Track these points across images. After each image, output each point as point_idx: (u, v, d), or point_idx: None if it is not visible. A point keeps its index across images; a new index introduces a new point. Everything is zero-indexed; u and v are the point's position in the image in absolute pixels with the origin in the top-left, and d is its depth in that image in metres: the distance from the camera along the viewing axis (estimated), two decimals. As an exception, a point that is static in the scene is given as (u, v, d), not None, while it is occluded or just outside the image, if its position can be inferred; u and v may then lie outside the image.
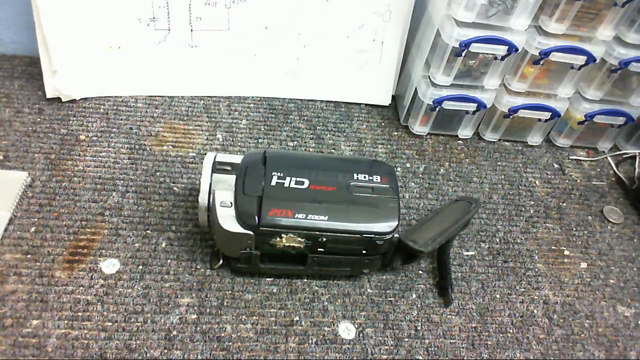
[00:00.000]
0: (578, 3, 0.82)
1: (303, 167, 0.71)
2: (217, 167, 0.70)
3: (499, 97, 0.95)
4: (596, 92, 0.95)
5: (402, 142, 0.98)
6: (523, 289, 0.80)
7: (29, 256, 0.72)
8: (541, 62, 0.88)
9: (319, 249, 0.69)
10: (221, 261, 0.74)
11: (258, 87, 1.01)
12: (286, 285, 0.74)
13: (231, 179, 0.69)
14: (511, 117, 0.96)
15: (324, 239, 0.68)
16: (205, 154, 0.72)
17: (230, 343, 0.68)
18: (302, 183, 0.69)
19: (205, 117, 0.95)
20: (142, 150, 0.88)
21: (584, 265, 0.85)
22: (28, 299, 0.68)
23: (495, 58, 0.88)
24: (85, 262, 0.72)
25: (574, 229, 0.90)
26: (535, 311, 0.77)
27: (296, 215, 0.66)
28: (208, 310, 0.70)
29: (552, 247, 0.86)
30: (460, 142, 1.01)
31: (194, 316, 0.69)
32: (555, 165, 1.00)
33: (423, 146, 0.98)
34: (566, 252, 0.86)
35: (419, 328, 0.73)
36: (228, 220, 0.67)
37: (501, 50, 0.86)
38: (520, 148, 1.02)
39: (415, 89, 0.95)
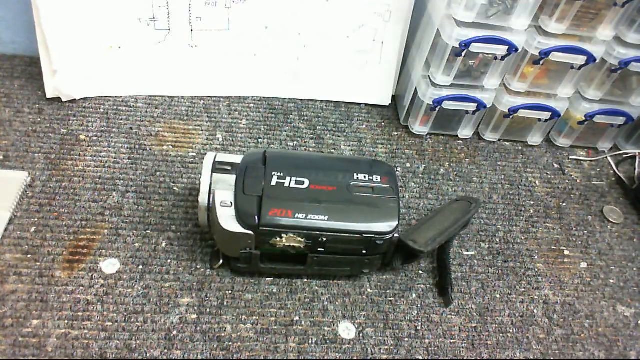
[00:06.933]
0: (578, 3, 0.82)
1: (303, 167, 0.71)
2: (217, 167, 0.70)
3: (499, 97, 0.95)
4: (596, 92, 0.95)
5: (402, 142, 0.98)
6: (523, 289, 0.80)
7: (29, 256, 0.72)
8: (541, 62, 0.88)
9: (319, 249, 0.69)
10: (221, 261, 0.74)
11: (258, 87, 1.01)
12: (286, 285, 0.74)
13: (231, 179, 0.69)
14: (511, 117, 0.96)
15: (324, 239, 0.68)
16: (205, 154, 0.72)
17: (230, 343, 0.68)
18: (302, 183, 0.69)
19: (205, 117, 0.95)
20: (142, 150, 0.88)
21: (584, 265, 0.85)
22: (28, 299, 0.68)
23: (495, 58, 0.88)
24: (85, 262, 0.72)
25: (574, 229, 0.90)
26: (535, 311, 0.77)
27: (296, 215, 0.66)
28: (208, 310, 0.70)
29: (552, 247, 0.86)
30: (460, 142, 1.01)
31: (194, 316, 0.69)
32: (555, 165, 1.00)
33: (423, 146, 0.98)
34: (566, 252, 0.86)
35: (419, 328, 0.73)
36: (228, 220, 0.67)
37: (501, 50, 0.86)
38: (520, 148, 1.02)
39: (415, 89, 0.95)
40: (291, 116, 0.99)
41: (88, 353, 0.64)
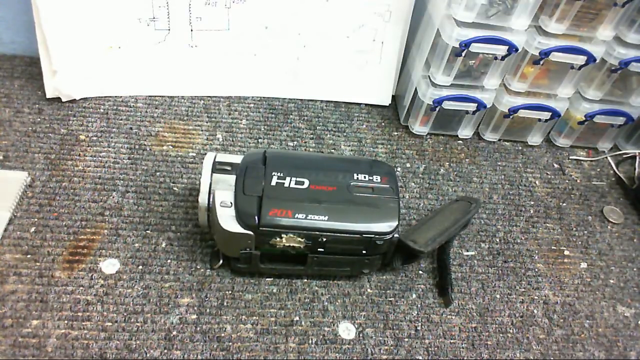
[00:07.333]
0: (578, 3, 0.82)
1: (303, 167, 0.71)
2: (217, 167, 0.70)
3: (499, 97, 0.95)
4: (596, 92, 0.95)
5: (402, 142, 0.98)
6: (523, 289, 0.80)
7: (29, 256, 0.72)
8: (541, 62, 0.88)
9: (319, 249, 0.69)
10: (221, 261, 0.74)
11: (258, 87, 1.01)
12: (286, 285, 0.74)
13: (231, 179, 0.69)
14: (511, 117, 0.96)
15: (324, 239, 0.68)
16: (205, 154, 0.72)
17: (230, 343, 0.68)
18: (302, 183, 0.69)
19: (205, 117, 0.95)
20: (142, 150, 0.88)
21: (584, 265, 0.85)
22: (28, 299, 0.68)
23: (495, 58, 0.88)
24: (85, 262, 0.72)
25: (574, 229, 0.90)
26: (535, 311, 0.77)
27: (296, 215, 0.66)
28: (208, 310, 0.70)
29: (552, 247, 0.86)
30: (460, 142, 1.01)
31: (194, 316, 0.69)
32: (555, 165, 1.00)
33: (423, 146, 0.98)
34: (566, 252, 0.86)
35: (419, 328, 0.73)
36: (228, 220, 0.67)
37: (501, 50, 0.86)
38: (520, 148, 1.02)
39: (415, 89, 0.95)
40: (291, 116, 0.99)
41: (88, 353, 0.64)
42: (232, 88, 1.00)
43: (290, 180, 0.69)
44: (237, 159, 0.72)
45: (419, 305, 0.75)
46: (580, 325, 0.77)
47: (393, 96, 1.04)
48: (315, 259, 0.70)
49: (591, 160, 1.03)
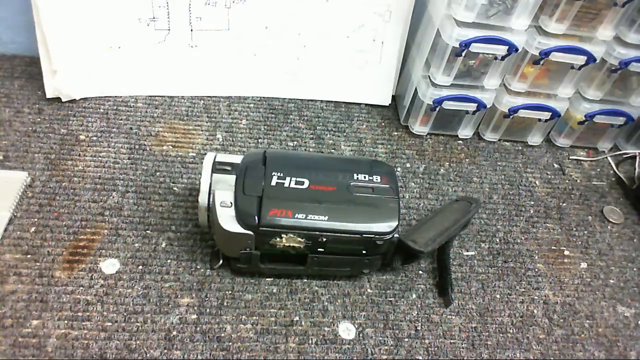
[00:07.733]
0: (578, 3, 0.82)
1: (303, 167, 0.71)
2: (217, 167, 0.70)
3: (499, 97, 0.95)
4: (596, 92, 0.95)
5: (402, 142, 0.98)
6: (523, 289, 0.80)
7: (29, 256, 0.72)
8: (541, 62, 0.88)
9: (319, 249, 0.69)
10: (221, 261, 0.74)
11: (258, 87, 1.01)
12: (286, 285, 0.74)
13: (231, 179, 0.69)
14: (511, 117, 0.96)
15: (324, 239, 0.68)
16: (205, 154, 0.72)
17: (230, 343, 0.68)
18: (302, 183, 0.69)
19: (205, 117, 0.95)
20: (142, 150, 0.88)
21: (584, 265, 0.85)
22: (28, 299, 0.68)
23: (496, 58, 0.88)
24: (85, 262, 0.72)
25: (574, 229, 0.90)
26: (535, 311, 0.77)
27: (296, 215, 0.66)
28: (208, 310, 0.70)
29: (552, 247, 0.86)
30: (460, 142, 1.01)
31: (194, 316, 0.69)
32: (555, 165, 1.00)
33: (423, 146, 0.98)
34: (566, 252, 0.86)
35: (419, 328, 0.73)
36: (228, 220, 0.67)
37: (501, 50, 0.86)
38: (520, 148, 1.02)
39: (415, 89, 0.95)
40: (291, 116, 0.99)
41: (88, 353, 0.64)
42: (232, 88, 1.00)
43: (290, 180, 0.69)
44: (237, 159, 0.72)
45: (419, 305, 0.75)
46: (580, 325, 0.77)
47: (393, 96, 1.04)
48: (315, 259, 0.70)
49: (591, 160, 1.03)
